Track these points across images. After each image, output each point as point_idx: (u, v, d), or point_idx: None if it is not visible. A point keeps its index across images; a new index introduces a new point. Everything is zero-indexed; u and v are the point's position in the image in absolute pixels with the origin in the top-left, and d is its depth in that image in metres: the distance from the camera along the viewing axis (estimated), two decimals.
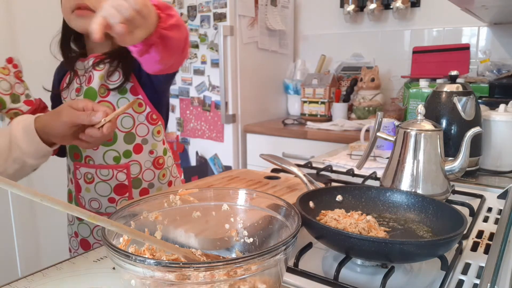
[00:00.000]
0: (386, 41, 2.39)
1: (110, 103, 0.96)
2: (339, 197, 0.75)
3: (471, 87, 1.12)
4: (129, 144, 0.98)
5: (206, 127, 2.32)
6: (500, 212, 0.86)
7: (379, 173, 1.02)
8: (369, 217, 0.67)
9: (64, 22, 0.98)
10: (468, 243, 0.71)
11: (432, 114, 1.08)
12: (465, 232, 0.66)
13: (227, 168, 2.28)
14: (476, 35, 2.13)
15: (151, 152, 1.02)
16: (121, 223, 0.50)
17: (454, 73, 1.11)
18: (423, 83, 1.61)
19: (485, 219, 0.82)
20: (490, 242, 0.70)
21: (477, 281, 0.58)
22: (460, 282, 0.59)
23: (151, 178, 1.03)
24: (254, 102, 2.36)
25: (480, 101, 1.32)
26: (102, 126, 0.76)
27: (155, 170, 1.04)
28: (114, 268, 0.60)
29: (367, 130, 1.54)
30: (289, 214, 0.53)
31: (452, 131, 1.07)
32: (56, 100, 1.05)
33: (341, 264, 0.58)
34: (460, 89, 1.08)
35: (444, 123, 1.08)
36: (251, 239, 0.57)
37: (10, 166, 0.83)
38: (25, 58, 1.12)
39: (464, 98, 1.05)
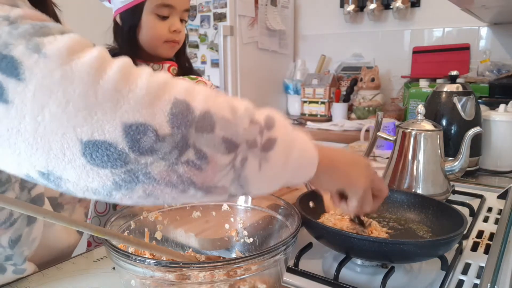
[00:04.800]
0: (386, 41, 2.39)
1: None
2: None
3: (471, 87, 1.13)
4: None
5: None
6: (500, 212, 0.86)
7: (379, 173, 1.02)
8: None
9: (130, 41, 1.02)
10: (468, 243, 0.71)
11: (432, 114, 1.08)
12: (465, 232, 0.66)
13: None
14: (476, 35, 2.13)
15: None
16: (129, 236, 0.50)
17: (454, 73, 1.11)
18: (423, 83, 1.61)
19: (485, 219, 0.82)
20: (490, 242, 0.70)
21: (477, 281, 0.58)
22: (460, 282, 0.59)
23: None
24: (254, 102, 2.34)
25: (480, 101, 1.32)
26: None
27: None
28: (114, 268, 0.60)
29: (367, 130, 1.54)
30: (289, 214, 0.53)
31: (452, 131, 1.07)
32: None
33: (341, 264, 0.58)
34: (460, 89, 1.08)
35: (444, 123, 1.08)
36: (251, 239, 0.57)
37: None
38: None
39: (464, 98, 1.05)
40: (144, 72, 0.36)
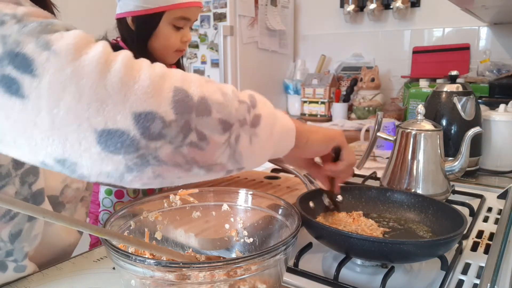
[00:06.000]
0: (386, 41, 2.39)
1: None
2: (339, 197, 0.75)
3: (471, 87, 1.12)
4: None
5: None
6: (500, 212, 0.86)
7: (379, 173, 1.02)
8: (363, 218, 0.68)
9: (140, 44, 1.04)
10: (468, 243, 0.71)
11: (432, 114, 1.08)
12: (465, 232, 0.66)
13: None
14: (476, 35, 2.13)
15: None
16: (129, 235, 0.50)
17: (454, 73, 1.11)
18: (423, 83, 1.61)
19: (485, 219, 0.82)
20: (490, 242, 0.70)
21: (477, 281, 0.58)
22: (460, 282, 0.59)
23: None
24: None
25: (480, 101, 1.32)
26: None
27: None
28: (114, 268, 0.60)
29: (367, 130, 1.54)
30: (289, 214, 0.53)
31: (452, 131, 1.07)
32: None
33: (341, 264, 0.58)
34: (460, 89, 1.08)
35: (444, 123, 1.08)
36: (251, 239, 0.57)
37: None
38: None
39: (464, 98, 1.05)
40: (144, 64, 0.39)
